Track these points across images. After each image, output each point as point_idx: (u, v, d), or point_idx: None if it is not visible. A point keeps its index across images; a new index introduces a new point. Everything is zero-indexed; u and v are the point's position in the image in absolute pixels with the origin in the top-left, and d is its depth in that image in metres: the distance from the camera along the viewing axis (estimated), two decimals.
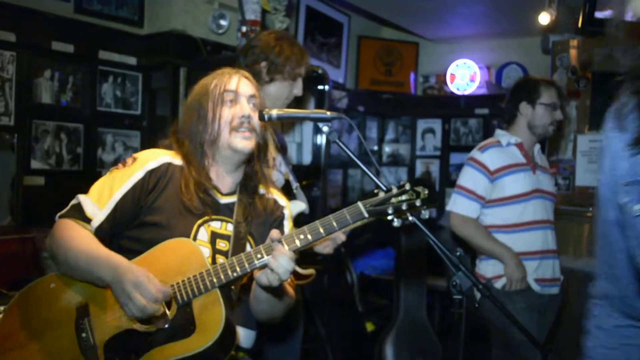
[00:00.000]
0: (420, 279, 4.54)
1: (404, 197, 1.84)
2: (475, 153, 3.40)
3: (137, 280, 1.80)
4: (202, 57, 4.04)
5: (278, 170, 3.02)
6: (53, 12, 3.59)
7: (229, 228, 2.08)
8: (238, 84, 2.11)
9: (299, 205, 3.06)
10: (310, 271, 2.99)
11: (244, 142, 2.07)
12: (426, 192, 1.85)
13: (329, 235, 3.01)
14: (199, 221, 2.03)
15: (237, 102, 2.09)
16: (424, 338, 4.45)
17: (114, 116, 3.95)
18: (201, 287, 1.89)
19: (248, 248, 2.10)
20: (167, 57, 3.99)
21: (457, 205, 3.38)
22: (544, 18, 4.91)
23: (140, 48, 4.05)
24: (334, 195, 6.05)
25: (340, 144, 2.05)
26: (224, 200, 2.12)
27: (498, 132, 3.48)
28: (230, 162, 2.12)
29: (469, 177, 3.37)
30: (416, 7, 5.59)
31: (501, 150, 3.36)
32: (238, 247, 2.05)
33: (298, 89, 2.98)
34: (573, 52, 4.87)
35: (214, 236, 2.05)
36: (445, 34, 6.47)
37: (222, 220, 2.09)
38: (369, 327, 5.22)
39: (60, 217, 2.02)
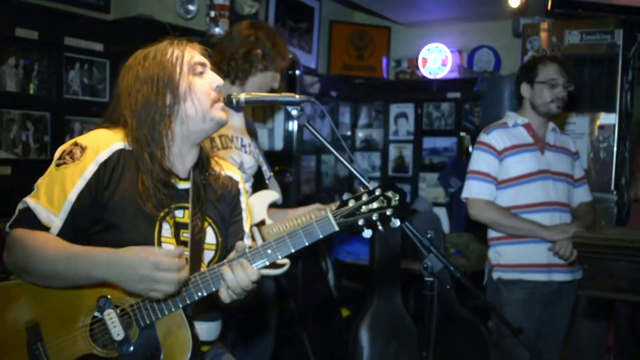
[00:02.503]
0: (395, 263, 4.55)
1: (374, 205, 1.80)
2: (481, 136, 3.38)
3: (150, 260, 1.66)
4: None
5: (252, 156, 3.01)
6: None
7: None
8: (201, 54, 2.03)
9: (272, 195, 3.06)
10: (284, 261, 2.99)
11: (224, 114, 2.00)
12: (397, 198, 1.81)
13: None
14: (161, 215, 1.90)
15: (205, 72, 2.00)
16: (399, 322, 4.46)
17: (81, 104, 3.87)
18: (164, 307, 1.78)
19: (210, 233, 2.03)
20: (135, 43, 3.78)
21: (472, 190, 3.32)
22: (514, 1, 4.93)
23: (107, 34, 3.97)
24: (307, 182, 6.03)
25: (310, 127, 2.04)
26: (182, 185, 2.00)
27: (507, 113, 3.47)
28: (201, 137, 2.01)
29: (479, 160, 3.34)
30: None
31: (507, 130, 3.34)
32: (196, 239, 1.97)
33: (277, 82, 3.06)
34: (543, 35, 4.88)
35: (178, 227, 1.93)
36: (416, 18, 6.46)
37: (183, 208, 1.97)
38: (344, 312, 5.23)
39: (12, 227, 1.83)
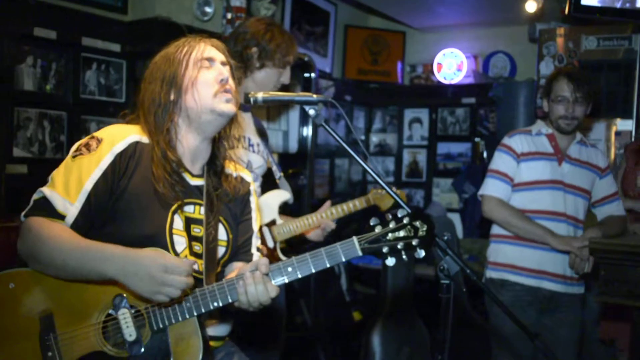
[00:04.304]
0: (408, 268, 4.53)
1: (401, 234, 1.80)
2: (504, 139, 3.42)
3: (161, 262, 1.68)
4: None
5: (261, 156, 3.00)
6: None
7: (201, 212, 2.00)
8: (211, 50, 2.03)
9: (283, 195, 3.05)
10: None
11: (228, 105, 1.97)
12: (425, 229, 1.80)
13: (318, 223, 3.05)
14: (173, 207, 1.93)
15: (212, 67, 2.01)
16: (411, 327, 4.44)
17: (97, 104, 3.89)
18: (178, 313, 1.79)
19: (221, 229, 2.06)
20: (152, 44, 3.90)
21: (489, 187, 3.35)
22: (531, 6, 4.92)
23: (125, 35, 3.99)
24: (321, 185, 6.03)
25: (327, 127, 2.03)
26: (194, 181, 2.02)
27: (537, 121, 3.47)
28: (208, 130, 2.01)
29: (498, 160, 3.37)
30: None
31: (529, 137, 3.36)
32: (210, 237, 1.99)
33: (286, 77, 3.00)
34: (560, 40, 4.86)
35: (188, 222, 1.96)
36: (432, 23, 6.46)
37: (194, 204, 1.99)
38: (356, 316, 5.22)
39: (27, 216, 1.84)
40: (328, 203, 3.13)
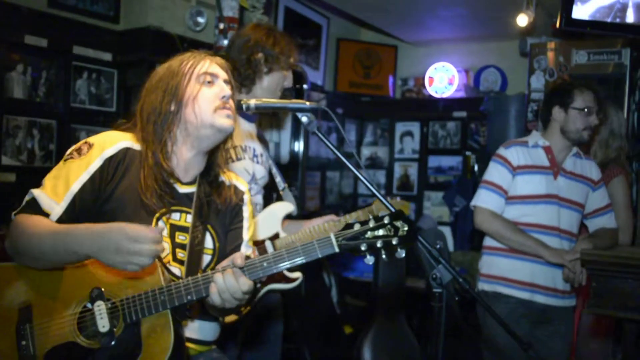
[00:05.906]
0: (399, 280, 4.51)
1: (380, 232, 1.78)
2: (500, 149, 3.37)
3: (127, 232, 1.68)
4: (179, 54, 3.97)
5: (264, 167, 2.97)
6: (27, 5, 3.52)
7: (188, 219, 2.01)
8: (215, 67, 2.07)
9: (287, 207, 2.99)
10: (296, 275, 2.94)
11: (229, 121, 2.01)
12: (405, 228, 1.79)
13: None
14: (158, 214, 1.96)
15: (214, 83, 2.04)
16: (403, 340, 4.41)
17: (88, 113, 3.87)
18: (152, 306, 1.79)
19: (208, 238, 2.07)
20: (143, 54, 3.93)
21: (482, 199, 3.31)
22: (522, 19, 4.94)
23: (116, 44, 3.98)
24: (312, 198, 6.01)
25: (319, 134, 2.02)
26: (183, 189, 2.04)
27: (532, 132, 3.43)
28: (204, 145, 2.03)
29: (493, 172, 3.33)
30: (395, 10, 5.59)
31: (525, 149, 3.31)
32: (195, 242, 2.00)
33: (289, 80, 3.00)
34: (550, 55, 4.89)
35: (174, 229, 1.98)
36: (424, 37, 6.49)
37: (181, 211, 2.02)
38: (347, 329, 5.18)
39: (16, 214, 1.89)
40: (331, 216, 3.09)
